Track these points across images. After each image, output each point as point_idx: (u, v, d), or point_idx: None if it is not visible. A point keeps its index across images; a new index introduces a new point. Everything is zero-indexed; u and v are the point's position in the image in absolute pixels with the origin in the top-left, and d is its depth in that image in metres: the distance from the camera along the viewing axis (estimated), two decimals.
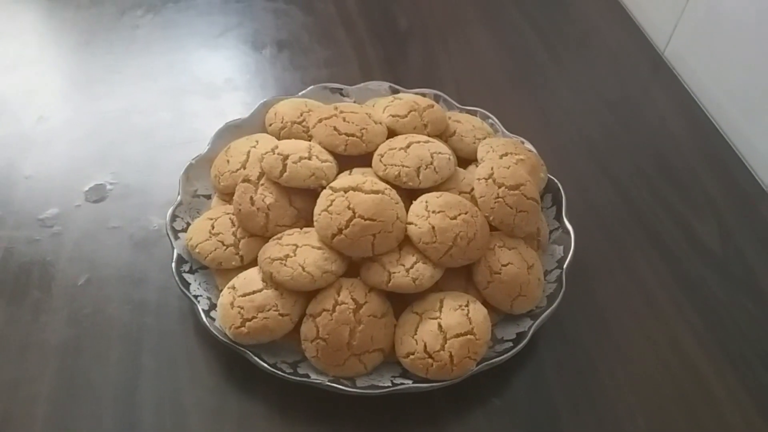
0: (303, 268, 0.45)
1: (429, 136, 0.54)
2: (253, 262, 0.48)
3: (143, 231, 0.55)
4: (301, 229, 0.48)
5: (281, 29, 0.77)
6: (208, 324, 0.45)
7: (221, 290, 0.48)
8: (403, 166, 0.49)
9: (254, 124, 0.58)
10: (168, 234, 0.50)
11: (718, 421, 0.46)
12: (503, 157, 0.53)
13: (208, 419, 0.45)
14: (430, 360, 0.43)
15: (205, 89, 0.70)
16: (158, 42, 0.75)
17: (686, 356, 0.49)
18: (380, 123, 0.54)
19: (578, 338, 0.50)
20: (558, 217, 0.54)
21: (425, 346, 0.44)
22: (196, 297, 0.47)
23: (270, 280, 0.45)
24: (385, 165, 0.50)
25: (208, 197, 0.55)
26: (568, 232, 0.52)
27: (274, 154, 0.50)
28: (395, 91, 0.62)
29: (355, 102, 0.61)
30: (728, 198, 0.61)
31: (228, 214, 0.50)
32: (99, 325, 0.49)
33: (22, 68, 0.71)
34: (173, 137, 0.64)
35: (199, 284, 0.48)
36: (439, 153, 0.51)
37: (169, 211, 0.51)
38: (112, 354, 0.48)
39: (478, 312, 0.45)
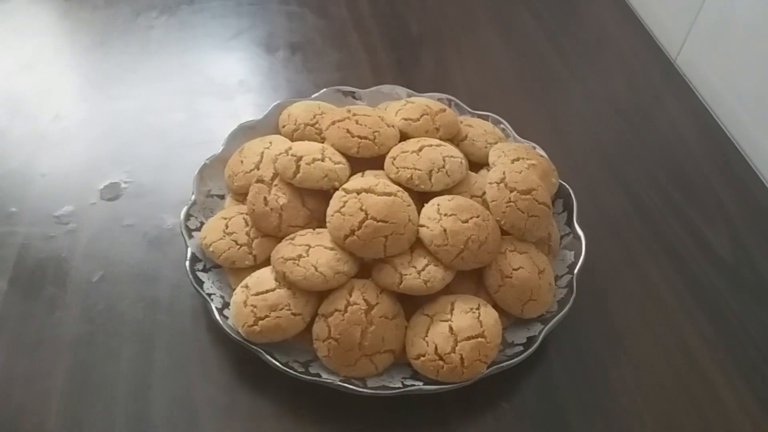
0: (315, 269, 0.45)
1: (441, 139, 0.54)
2: (266, 262, 0.48)
3: (157, 229, 0.56)
4: (313, 229, 0.49)
5: (294, 32, 0.78)
6: (221, 322, 0.46)
7: (234, 289, 0.48)
8: (415, 169, 0.50)
9: (267, 125, 0.59)
10: (182, 232, 0.51)
11: (728, 429, 0.46)
12: (515, 162, 0.53)
13: (219, 416, 0.45)
14: (440, 362, 0.44)
15: (219, 90, 0.70)
16: (173, 43, 0.76)
17: (696, 363, 0.49)
18: (393, 126, 0.54)
19: (588, 344, 0.50)
20: (569, 223, 0.54)
21: (436, 348, 0.44)
22: (209, 295, 0.47)
23: (283, 280, 0.46)
24: (397, 168, 0.50)
25: (222, 197, 0.56)
26: (579, 238, 0.52)
27: (287, 155, 0.50)
28: (407, 95, 0.62)
29: (367, 105, 0.62)
30: (739, 205, 0.61)
31: (242, 213, 0.51)
32: (112, 321, 0.50)
33: (39, 68, 0.72)
34: (187, 137, 0.65)
35: (213, 283, 0.49)
36: (451, 156, 0.51)
37: (184, 210, 0.52)
38: (124, 350, 0.48)
39: (489, 315, 0.46)
